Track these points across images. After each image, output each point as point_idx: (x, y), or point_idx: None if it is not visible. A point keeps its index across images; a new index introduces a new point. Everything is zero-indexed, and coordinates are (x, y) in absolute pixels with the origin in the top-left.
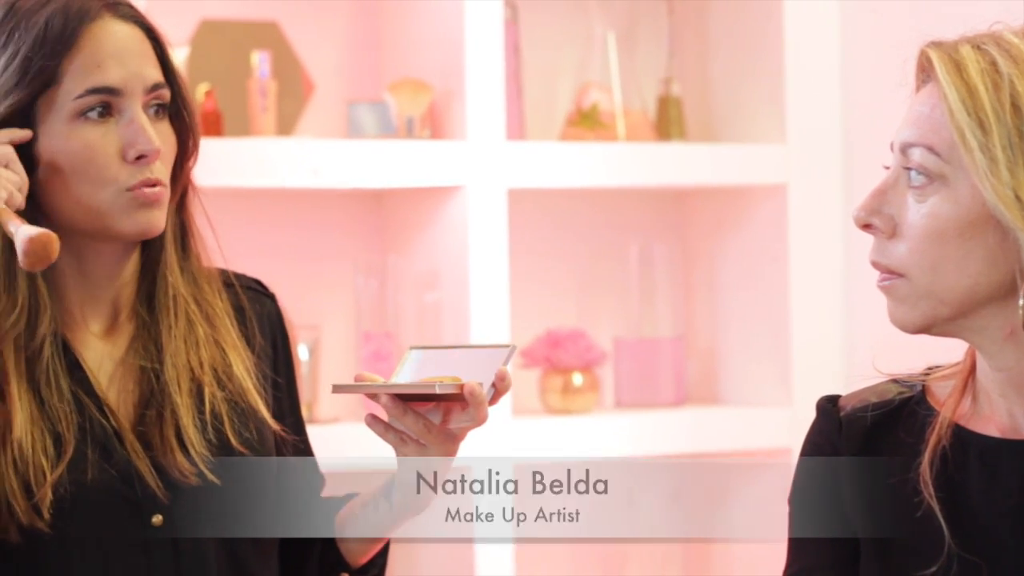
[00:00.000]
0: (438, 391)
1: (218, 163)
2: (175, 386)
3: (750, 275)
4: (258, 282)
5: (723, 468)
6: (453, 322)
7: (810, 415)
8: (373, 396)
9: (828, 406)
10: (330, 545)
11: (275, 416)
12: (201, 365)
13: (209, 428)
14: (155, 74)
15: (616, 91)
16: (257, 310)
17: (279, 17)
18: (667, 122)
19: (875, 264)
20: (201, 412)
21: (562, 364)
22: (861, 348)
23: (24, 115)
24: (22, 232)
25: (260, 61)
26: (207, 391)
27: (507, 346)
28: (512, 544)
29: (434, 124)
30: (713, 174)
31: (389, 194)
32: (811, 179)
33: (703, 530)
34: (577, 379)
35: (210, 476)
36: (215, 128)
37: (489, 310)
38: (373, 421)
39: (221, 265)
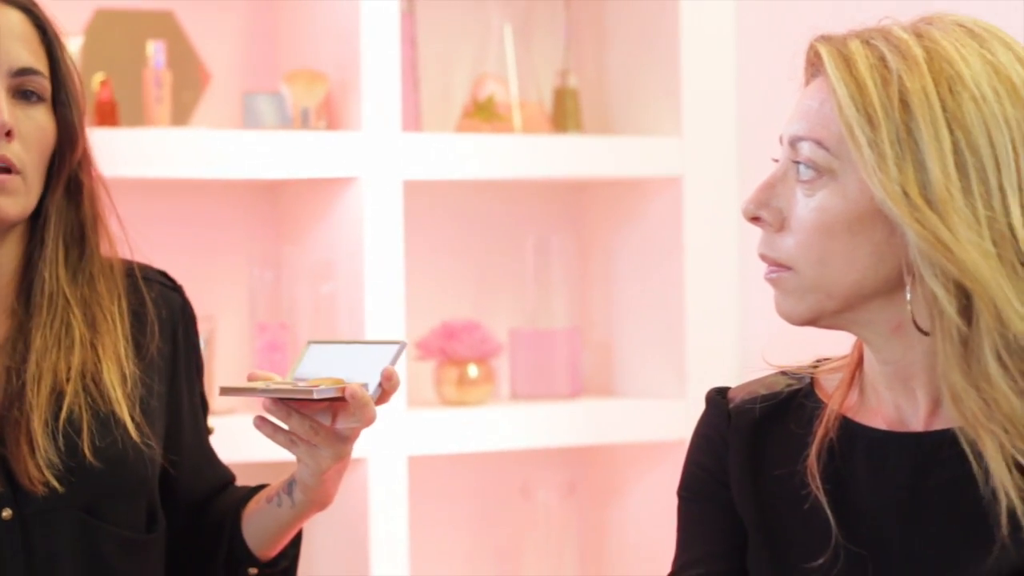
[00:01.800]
0: (315, 396)
1: (113, 153)
2: (32, 387)
3: (645, 267)
4: (164, 274)
5: (617, 459)
6: (348, 314)
7: (703, 407)
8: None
9: (717, 398)
10: (237, 539)
11: (171, 408)
12: (68, 370)
13: (60, 436)
14: (27, 59)
15: (512, 83)
16: (157, 302)
17: (175, 7)
18: (563, 114)
19: (763, 257)
20: (56, 418)
21: (457, 356)
22: (755, 341)
23: None
24: None
25: (155, 51)
26: (68, 397)
27: (397, 342)
28: (407, 544)
29: (330, 115)
30: (609, 166)
31: (284, 185)
32: (706, 172)
33: (598, 522)
34: (472, 371)
35: (55, 483)
36: (110, 118)
37: (384, 302)
38: (262, 423)
39: (127, 256)
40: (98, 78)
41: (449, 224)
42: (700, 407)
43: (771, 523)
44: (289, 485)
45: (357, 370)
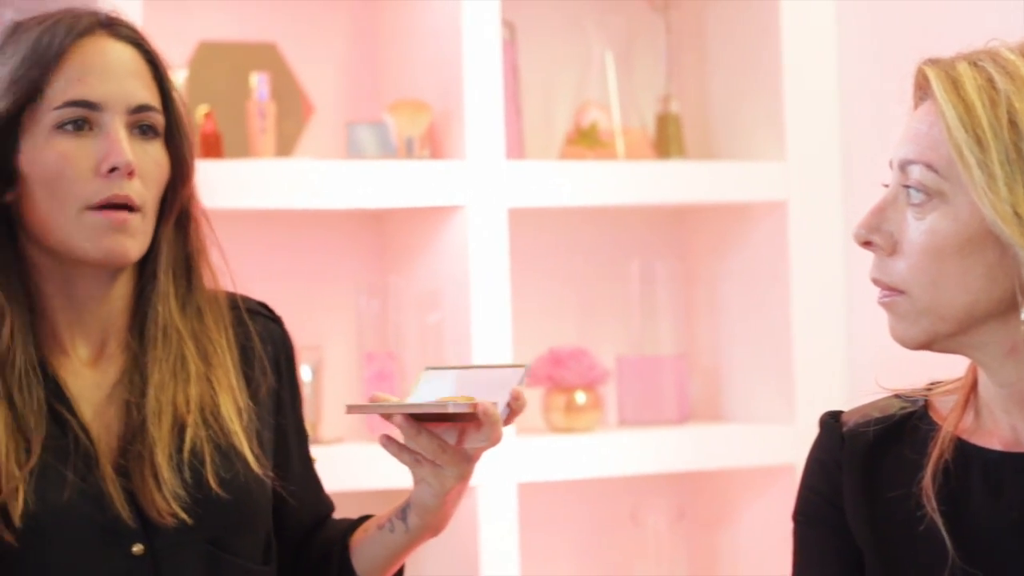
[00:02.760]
0: (451, 411)
1: (218, 185)
2: (155, 420)
3: (751, 292)
4: (264, 306)
5: (726, 485)
6: (455, 342)
7: (813, 431)
8: (387, 416)
9: (830, 422)
10: (347, 568)
11: (278, 439)
12: (187, 403)
13: (186, 468)
14: (144, 95)
15: (615, 109)
16: (262, 336)
17: (278, 39)
18: (666, 140)
19: (875, 281)
20: (180, 451)
21: (565, 383)
22: (863, 364)
23: (10, 128)
24: None
25: (259, 83)
26: (189, 430)
27: (521, 366)
28: (518, 571)
29: (433, 144)
30: (713, 191)
31: (390, 214)
32: (811, 196)
33: (708, 547)
34: (580, 397)
35: (183, 515)
36: (215, 150)
37: (491, 330)
38: (388, 442)
39: (230, 289)
40: (202, 110)
41: (554, 251)
42: (808, 431)
43: (887, 546)
44: (403, 510)
45: (480, 392)
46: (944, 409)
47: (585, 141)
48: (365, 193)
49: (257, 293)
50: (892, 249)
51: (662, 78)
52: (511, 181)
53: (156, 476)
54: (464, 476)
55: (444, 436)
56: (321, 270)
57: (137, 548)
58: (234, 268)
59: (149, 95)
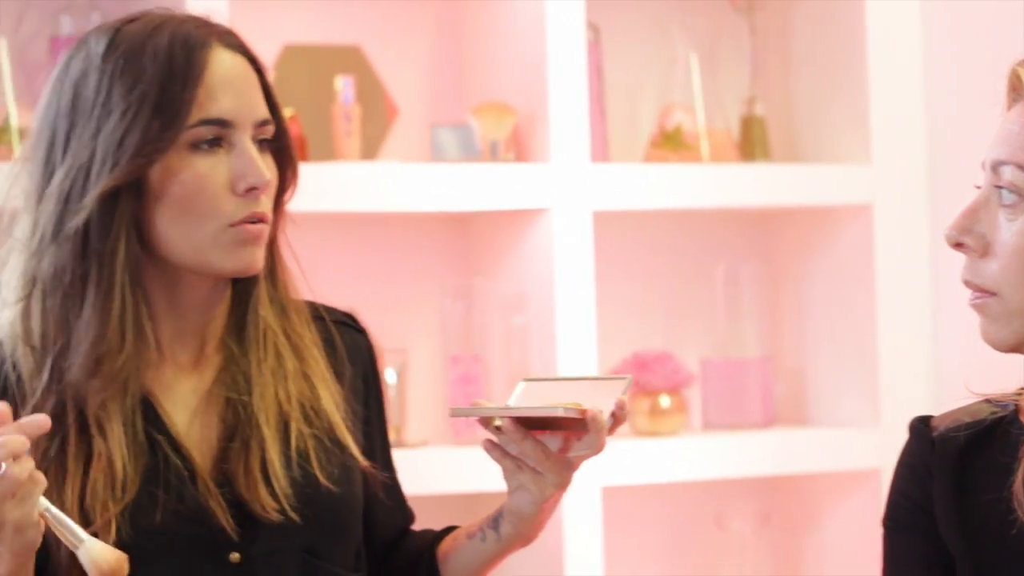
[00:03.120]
0: (561, 414)
1: (303, 188)
2: (263, 418)
3: (837, 295)
4: (350, 316)
5: (812, 489)
6: (540, 345)
7: (898, 435)
8: (485, 423)
9: (920, 427)
10: None
11: (364, 452)
12: (289, 400)
13: (294, 465)
14: (263, 109)
15: (699, 112)
16: (348, 343)
17: (362, 41)
18: (751, 142)
19: (967, 283)
20: (287, 448)
21: (650, 386)
22: (949, 367)
23: (166, 145)
24: (92, 552)
25: (344, 86)
26: (293, 427)
27: (623, 377)
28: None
29: (518, 147)
30: (797, 194)
31: (474, 217)
32: (896, 198)
33: (793, 552)
34: (665, 401)
35: (291, 514)
36: (299, 153)
37: (576, 333)
38: (491, 447)
39: (307, 295)
40: (287, 114)
41: (638, 254)
42: (894, 435)
43: (979, 550)
44: (495, 519)
45: (584, 402)
46: None
47: (669, 144)
48: (450, 196)
49: (341, 297)
50: (984, 251)
51: (746, 80)
52: (596, 184)
53: (265, 473)
54: (563, 484)
55: (548, 443)
56: (406, 273)
57: (234, 556)
58: (318, 271)
59: (264, 107)
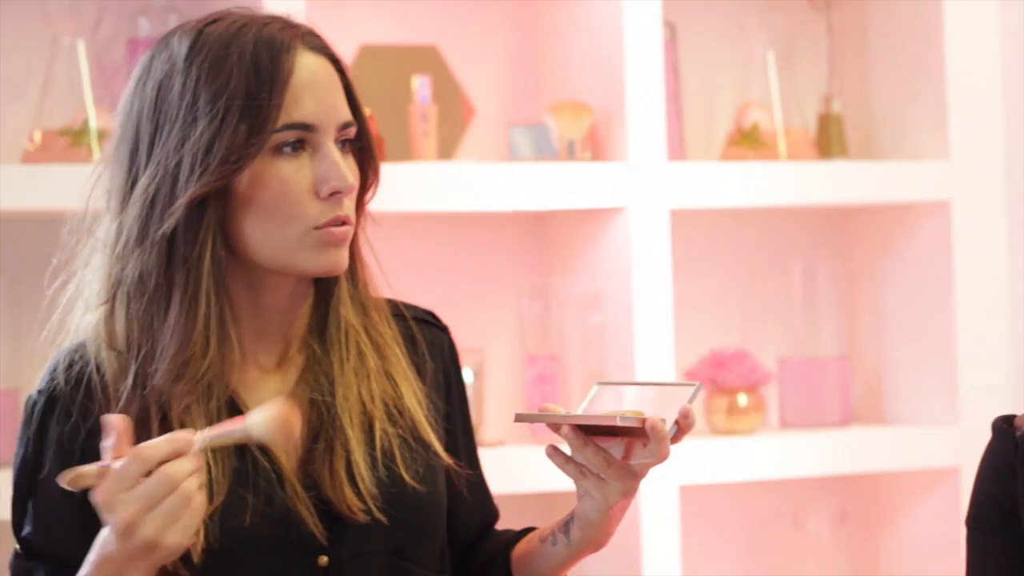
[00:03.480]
0: (619, 423)
1: (380, 188)
2: (347, 419)
3: (914, 293)
4: (431, 314)
5: (890, 488)
6: (617, 344)
7: (977, 433)
8: (555, 427)
9: (1004, 426)
10: None
11: (447, 448)
12: (372, 399)
13: (380, 464)
14: (346, 111)
15: (776, 110)
16: (429, 340)
17: (439, 41)
18: (828, 140)
19: None
20: (372, 448)
21: (727, 385)
22: None
23: (256, 151)
24: (256, 427)
25: (421, 86)
26: (378, 426)
27: (693, 384)
28: (679, 574)
29: (595, 145)
30: (876, 192)
31: (551, 216)
32: (974, 195)
33: (871, 551)
34: (742, 400)
35: (377, 514)
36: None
37: (653, 331)
38: (554, 452)
39: (386, 294)
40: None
41: (715, 252)
42: (973, 433)
43: None
44: (566, 524)
45: (650, 408)
46: None
47: (747, 142)
48: (526, 195)
49: (418, 296)
50: None
51: (823, 78)
52: (673, 182)
53: (351, 474)
54: (628, 492)
55: (611, 450)
56: (482, 272)
57: (322, 560)
58: (395, 272)
59: (347, 110)
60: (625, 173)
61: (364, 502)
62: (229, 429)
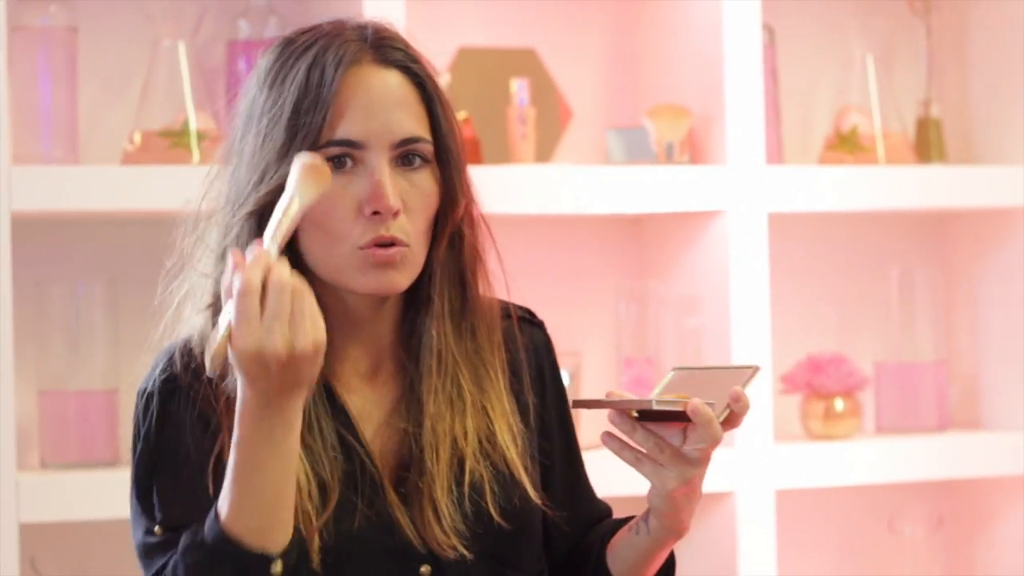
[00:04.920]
0: (655, 407)
1: (478, 190)
2: (431, 454)
3: (1012, 298)
4: (528, 311)
5: (986, 493)
6: (714, 347)
7: None
8: (622, 412)
9: None
10: (602, 570)
11: (542, 452)
12: (465, 435)
13: (467, 500)
14: (409, 127)
15: (875, 113)
16: (530, 346)
17: (537, 44)
18: (927, 144)
19: None
20: (460, 483)
21: (824, 389)
22: None
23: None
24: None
25: (519, 88)
26: (468, 462)
27: (750, 367)
28: (774, 558)
29: (693, 149)
30: (974, 196)
31: (648, 219)
32: None
33: (966, 556)
34: (839, 404)
35: (462, 550)
36: (474, 156)
37: (750, 335)
38: (609, 439)
39: (503, 294)
40: (461, 116)
41: (813, 256)
42: None
43: None
44: (647, 513)
45: (709, 391)
46: None
47: (845, 146)
48: (624, 198)
49: (515, 299)
50: None
51: (922, 82)
52: (771, 186)
53: (436, 510)
54: (686, 478)
55: (670, 437)
56: (580, 275)
57: (425, 569)
58: (493, 273)
59: (416, 125)
60: (723, 176)
61: (449, 539)
62: (279, 215)
